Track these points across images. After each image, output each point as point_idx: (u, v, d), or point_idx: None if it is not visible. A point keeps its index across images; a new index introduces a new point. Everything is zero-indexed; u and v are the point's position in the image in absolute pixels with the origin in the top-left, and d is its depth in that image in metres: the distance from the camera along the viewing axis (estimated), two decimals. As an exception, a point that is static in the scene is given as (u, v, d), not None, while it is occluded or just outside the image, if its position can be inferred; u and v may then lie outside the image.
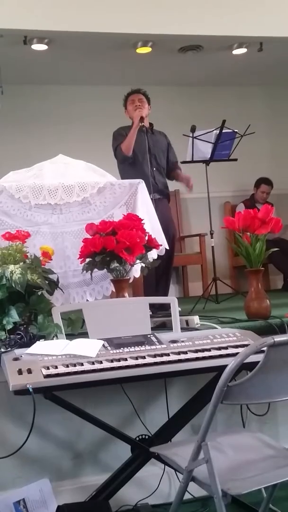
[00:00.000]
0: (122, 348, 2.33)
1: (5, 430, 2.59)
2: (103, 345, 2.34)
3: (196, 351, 2.32)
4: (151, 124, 4.56)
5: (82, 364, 2.16)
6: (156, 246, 3.12)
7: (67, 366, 2.14)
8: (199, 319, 3.01)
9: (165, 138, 4.65)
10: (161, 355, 2.28)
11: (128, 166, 4.39)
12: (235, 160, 4.93)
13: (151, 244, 3.07)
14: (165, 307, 3.31)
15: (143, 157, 4.35)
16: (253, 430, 2.59)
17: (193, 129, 4.65)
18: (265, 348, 1.77)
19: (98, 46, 5.30)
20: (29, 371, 2.10)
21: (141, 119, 4.30)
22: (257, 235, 2.98)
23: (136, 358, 2.24)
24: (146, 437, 2.63)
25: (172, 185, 4.94)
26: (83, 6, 4.81)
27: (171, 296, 2.96)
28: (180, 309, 2.74)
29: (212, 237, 4.85)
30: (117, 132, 4.50)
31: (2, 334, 2.47)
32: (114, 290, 3.10)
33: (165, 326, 2.91)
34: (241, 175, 6.49)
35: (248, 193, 6.47)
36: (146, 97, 4.51)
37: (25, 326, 2.51)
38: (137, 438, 2.60)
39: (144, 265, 3.09)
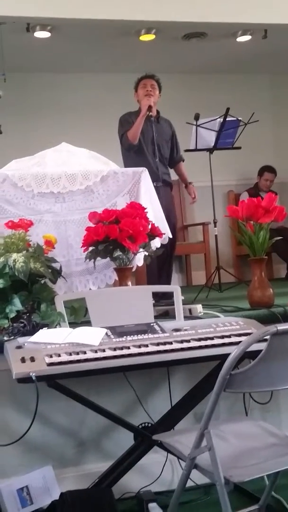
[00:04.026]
0: (125, 337, 2.33)
1: (8, 418, 2.61)
2: (106, 334, 2.34)
3: (199, 339, 2.32)
4: (157, 112, 4.52)
5: (85, 353, 2.16)
6: (159, 234, 3.11)
7: (70, 354, 2.14)
8: (202, 307, 3.01)
9: (170, 127, 4.59)
10: (164, 343, 2.28)
11: (133, 154, 4.35)
12: (239, 148, 4.91)
13: (154, 232, 3.06)
14: (168, 296, 3.32)
15: (148, 147, 4.33)
16: (256, 418, 2.60)
17: (196, 117, 4.63)
18: (268, 337, 1.77)
19: (101, 33, 5.26)
20: (32, 359, 2.11)
21: (149, 108, 4.27)
22: (261, 224, 2.97)
23: (139, 346, 2.24)
24: (149, 425, 2.64)
25: (175, 174, 4.91)
26: (86, -7, 4.77)
27: (174, 285, 2.96)
28: (183, 297, 2.74)
29: (215, 226, 4.85)
30: (123, 119, 4.44)
31: (5, 323, 2.47)
32: (117, 278, 3.09)
33: (168, 315, 2.91)
34: (245, 163, 6.46)
35: (252, 181, 6.44)
36: (159, 84, 4.45)
37: (28, 314, 2.51)
38: (140, 426, 2.61)
39: (147, 253, 3.08)
